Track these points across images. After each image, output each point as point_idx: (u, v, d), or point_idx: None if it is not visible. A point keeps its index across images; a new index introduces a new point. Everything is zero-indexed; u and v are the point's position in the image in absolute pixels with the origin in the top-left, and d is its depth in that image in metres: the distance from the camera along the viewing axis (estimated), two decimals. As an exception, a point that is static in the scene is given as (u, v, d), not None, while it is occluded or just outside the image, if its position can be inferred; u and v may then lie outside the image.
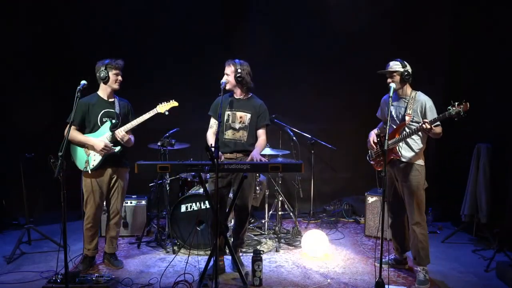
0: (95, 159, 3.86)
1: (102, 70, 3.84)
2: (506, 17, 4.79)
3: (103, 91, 3.95)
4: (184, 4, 5.85)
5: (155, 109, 3.90)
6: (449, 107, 3.37)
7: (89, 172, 3.85)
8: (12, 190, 5.10)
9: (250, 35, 5.90)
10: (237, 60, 3.90)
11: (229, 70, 3.88)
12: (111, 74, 3.86)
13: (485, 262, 4.21)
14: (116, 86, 3.92)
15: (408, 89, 3.78)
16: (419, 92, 3.77)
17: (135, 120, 3.89)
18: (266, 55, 5.79)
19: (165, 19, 5.87)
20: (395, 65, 3.72)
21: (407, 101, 3.75)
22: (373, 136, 3.95)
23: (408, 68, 3.71)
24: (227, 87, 3.91)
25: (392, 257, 4.12)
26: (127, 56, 5.64)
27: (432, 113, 3.62)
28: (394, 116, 3.82)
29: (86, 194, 3.92)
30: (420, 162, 3.75)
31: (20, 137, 5.30)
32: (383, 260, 4.19)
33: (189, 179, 5.02)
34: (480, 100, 5.17)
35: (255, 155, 3.73)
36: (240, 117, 3.93)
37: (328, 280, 3.82)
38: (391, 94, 3.50)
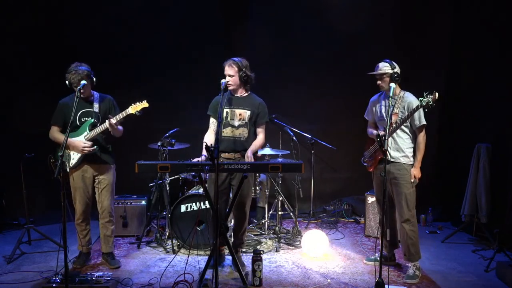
0: (73, 157, 3.90)
1: (66, 79, 3.78)
2: (507, 16, 4.79)
3: None
4: (184, 4, 5.85)
5: (127, 109, 3.86)
6: (420, 98, 3.55)
7: (67, 170, 3.90)
8: (12, 190, 5.10)
9: (250, 35, 5.89)
10: (236, 59, 3.86)
11: (233, 70, 3.83)
12: (72, 85, 3.80)
13: (485, 262, 4.21)
14: (82, 95, 3.82)
15: (397, 89, 3.86)
16: (408, 92, 3.88)
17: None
18: (266, 55, 5.79)
19: (165, 19, 5.87)
20: (384, 67, 3.80)
21: (395, 100, 3.85)
22: (375, 132, 3.87)
23: (397, 69, 3.78)
24: (231, 87, 3.88)
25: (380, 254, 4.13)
26: (127, 56, 5.72)
27: (418, 112, 3.72)
28: (384, 115, 3.87)
29: (73, 191, 3.97)
30: (409, 161, 3.84)
31: (20, 137, 5.30)
32: (372, 257, 4.25)
33: (189, 179, 5.02)
34: (480, 100, 5.19)
35: (247, 153, 3.77)
36: (240, 114, 3.91)
37: (328, 280, 3.82)
38: (391, 94, 3.53)
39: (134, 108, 3.86)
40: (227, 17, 5.94)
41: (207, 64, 5.41)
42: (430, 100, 3.49)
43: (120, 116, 3.87)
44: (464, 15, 5.61)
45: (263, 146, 4.59)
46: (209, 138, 3.94)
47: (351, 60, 5.89)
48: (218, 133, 3.50)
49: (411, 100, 3.80)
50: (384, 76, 3.78)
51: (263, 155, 5.05)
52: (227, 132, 3.90)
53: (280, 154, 5.18)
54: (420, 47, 5.72)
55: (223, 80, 3.80)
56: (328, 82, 5.97)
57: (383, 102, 3.94)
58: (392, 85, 3.60)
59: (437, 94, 3.47)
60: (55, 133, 3.91)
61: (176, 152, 4.83)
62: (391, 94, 3.53)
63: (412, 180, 3.82)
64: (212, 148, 3.18)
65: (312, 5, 5.87)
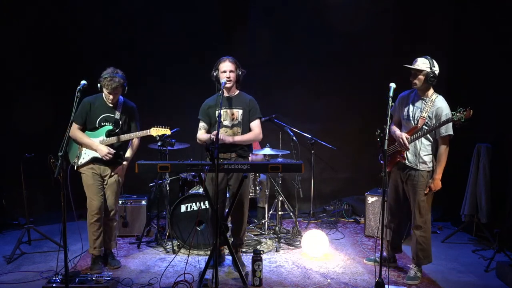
0: (84, 157, 3.90)
1: (99, 82, 3.79)
2: (507, 17, 4.79)
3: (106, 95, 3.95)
4: (185, 4, 5.85)
5: (149, 130, 3.91)
6: (453, 112, 3.37)
7: (75, 167, 3.90)
8: (12, 190, 5.10)
9: (250, 35, 5.90)
10: (231, 57, 3.88)
11: (233, 66, 3.84)
12: (104, 89, 3.82)
13: (485, 262, 4.21)
14: (109, 101, 3.89)
15: (430, 90, 3.64)
16: (441, 96, 3.63)
17: (128, 135, 3.93)
18: (266, 55, 5.80)
19: (166, 19, 5.87)
20: (422, 63, 3.54)
21: (426, 103, 3.63)
22: (401, 134, 3.69)
23: (436, 68, 3.53)
24: (229, 85, 3.86)
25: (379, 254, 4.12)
26: (127, 57, 5.72)
27: (447, 125, 3.50)
28: (411, 115, 3.71)
29: (86, 189, 3.93)
30: (427, 167, 3.68)
31: (20, 137, 5.30)
32: (372, 257, 4.23)
33: (189, 179, 5.02)
34: (480, 100, 5.18)
35: (225, 136, 3.77)
36: (232, 114, 3.91)
37: (328, 280, 3.82)
38: (391, 94, 3.31)
39: (156, 131, 3.91)
40: (227, 17, 5.95)
41: (207, 64, 5.36)
42: (463, 117, 3.27)
43: (139, 134, 3.93)
44: (465, 15, 5.61)
45: (261, 144, 4.58)
46: (205, 136, 3.94)
47: (351, 60, 5.90)
48: (217, 134, 3.49)
49: (442, 106, 3.55)
50: (420, 73, 3.52)
51: (263, 155, 5.05)
52: (221, 132, 3.86)
53: (280, 154, 5.18)
54: (421, 46, 5.70)
55: (223, 80, 3.80)
56: (328, 82, 5.98)
57: (413, 103, 3.70)
58: (392, 85, 3.34)
59: (471, 111, 3.25)
60: (77, 132, 3.87)
61: (176, 152, 4.83)
62: (390, 94, 3.31)
63: (426, 192, 3.66)
64: (211, 148, 3.18)
65: (313, 5, 5.88)
